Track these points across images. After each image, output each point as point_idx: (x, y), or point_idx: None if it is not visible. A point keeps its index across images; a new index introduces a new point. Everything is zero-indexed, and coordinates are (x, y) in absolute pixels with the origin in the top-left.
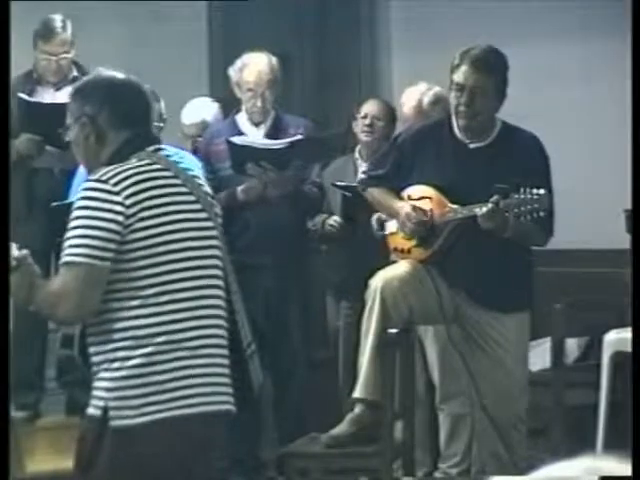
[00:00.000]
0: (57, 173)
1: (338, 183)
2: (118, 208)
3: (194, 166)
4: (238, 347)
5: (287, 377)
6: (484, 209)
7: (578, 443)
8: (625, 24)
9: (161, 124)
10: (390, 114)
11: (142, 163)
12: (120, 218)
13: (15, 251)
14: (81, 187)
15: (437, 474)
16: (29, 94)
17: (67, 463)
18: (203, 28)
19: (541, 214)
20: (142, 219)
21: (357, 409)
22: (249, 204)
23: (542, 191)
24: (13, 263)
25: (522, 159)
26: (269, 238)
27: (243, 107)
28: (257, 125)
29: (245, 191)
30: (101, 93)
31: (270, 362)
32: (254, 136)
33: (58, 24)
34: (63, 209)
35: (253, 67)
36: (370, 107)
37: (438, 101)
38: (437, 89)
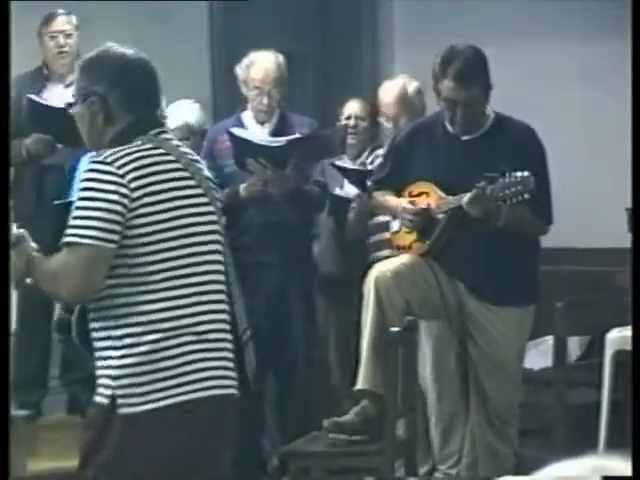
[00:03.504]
0: (67, 170)
1: (336, 163)
2: (123, 190)
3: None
4: (235, 333)
5: (289, 375)
6: (468, 195)
7: (580, 442)
8: (625, 24)
9: (162, 121)
10: (373, 112)
11: (145, 147)
12: (125, 201)
13: (14, 229)
14: (86, 168)
15: (437, 474)
16: (39, 90)
17: (69, 462)
18: (204, 28)
19: (526, 196)
20: (146, 205)
21: (362, 402)
22: (252, 202)
23: (525, 173)
24: (12, 240)
25: (515, 149)
26: (272, 236)
27: (249, 105)
28: (262, 124)
29: (247, 188)
30: (113, 72)
31: (272, 360)
32: (258, 134)
33: (60, 11)
34: (66, 207)
35: (260, 65)
36: (353, 108)
37: (421, 93)
38: (416, 82)
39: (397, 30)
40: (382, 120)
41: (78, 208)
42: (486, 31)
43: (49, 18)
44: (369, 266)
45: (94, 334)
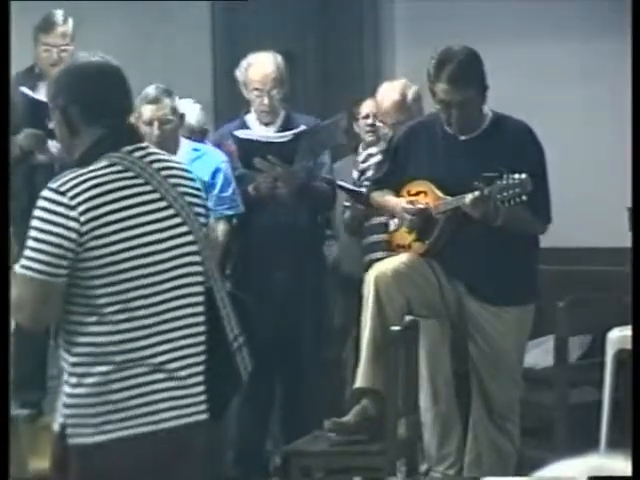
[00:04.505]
0: (57, 169)
1: (341, 184)
2: (72, 224)
3: (179, 165)
4: (223, 342)
5: (296, 376)
6: (469, 196)
7: (582, 441)
8: (626, 23)
9: (175, 118)
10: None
11: (109, 170)
12: (73, 235)
13: None
14: (41, 194)
15: (435, 474)
16: (31, 90)
17: None
18: (206, 28)
19: (523, 198)
20: (99, 237)
21: (362, 402)
22: (262, 200)
23: (523, 175)
24: None
25: (513, 148)
26: (282, 237)
27: (252, 108)
28: (267, 125)
29: (256, 188)
30: (73, 83)
31: (280, 361)
32: (263, 133)
33: (59, 18)
34: None
35: (258, 66)
36: (370, 107)
37: (419, 98)
38: (415, 87)
39: (398, 30)
40: (379, 125)
41: (30, 237)
42: (487, 31)
43: (46, 26)
44: (368, 266)
45: (60, 351)
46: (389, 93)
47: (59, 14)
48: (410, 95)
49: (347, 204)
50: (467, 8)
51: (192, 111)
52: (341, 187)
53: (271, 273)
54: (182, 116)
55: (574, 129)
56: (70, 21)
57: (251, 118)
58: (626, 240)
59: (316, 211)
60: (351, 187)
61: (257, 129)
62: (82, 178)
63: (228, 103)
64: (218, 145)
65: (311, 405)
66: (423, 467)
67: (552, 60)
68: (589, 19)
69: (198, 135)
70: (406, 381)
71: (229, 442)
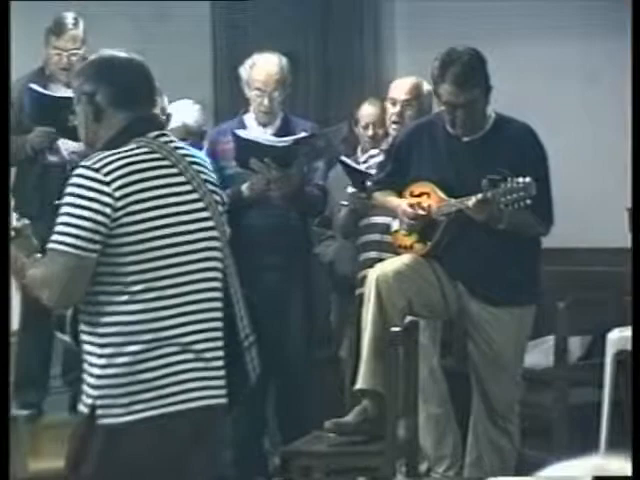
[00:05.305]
0: (69, 170)
1: (344, 159)
2: (107, 199)
3: (198, 154)
4: (235, 339)
5: (291, 376)
6: (473, 199)
7: (582, 442)
8: (626, 23)
9: (164, 117)
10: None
11: (139, 151)
12: (108, 210)
13: (14, 221)
14: (74, 171)
15: (435, 475)
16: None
17: None
18: (207, 28)
19: (527, 202)
20: (130, 213)
21: (363, 402)
22: (254, 201)
23: (528, 179)
24: (12, 233)
25: (515, 150)
26: (274, 238)
27: (251, 107)
28: (265, 126)
29: (250, 187)
30: (99, 71)
31: (274, 362)
32: (262, 135)
33: (70, 21)
34: None
35: (262, 66)
36: (371, 116)
37: (431, 94)
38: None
39: (399, 30)
40: (388, 105)
41: (62, 214)
42: (487, 30)
43: (57, 30)
44: (362, 266)
45: (82, 336)
46: (401, 86)
47: (70, 17)
48: (424, 87)
49: (344, 203)
50: (467, 8)
51: (190, 112)
52: (343, 164)
53: (262, 273)
54: (168, 116)
55: (574, 129)
56: (81, 24)
57: (249, 118)
58: (626, 240)
59: (305, 215)
60: (354, 165)
61: (254, 129)
62: (115, 157)
63: (228, 104)
64: (214, 142)
65: (306, 405)
66: (423, 467)
67: (552, 60)
68: (589, 19)
69: (196, 136)
70: (406, 382)
71: (227, 442)
